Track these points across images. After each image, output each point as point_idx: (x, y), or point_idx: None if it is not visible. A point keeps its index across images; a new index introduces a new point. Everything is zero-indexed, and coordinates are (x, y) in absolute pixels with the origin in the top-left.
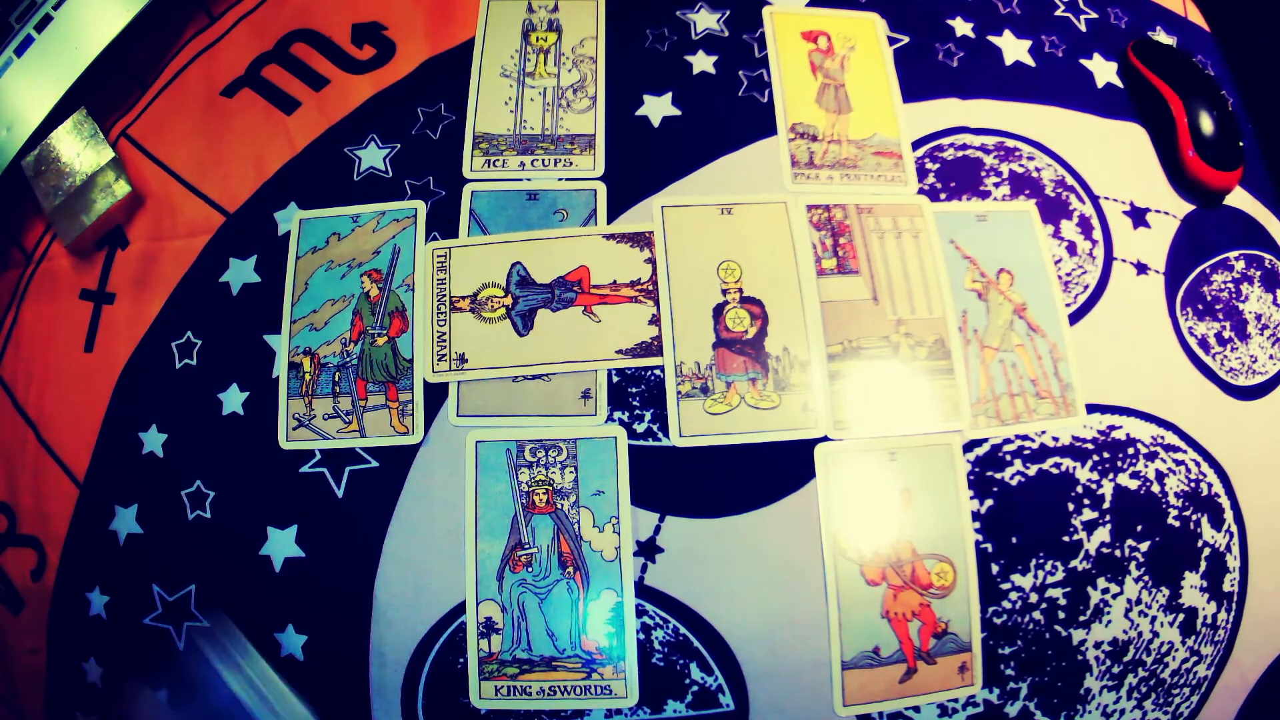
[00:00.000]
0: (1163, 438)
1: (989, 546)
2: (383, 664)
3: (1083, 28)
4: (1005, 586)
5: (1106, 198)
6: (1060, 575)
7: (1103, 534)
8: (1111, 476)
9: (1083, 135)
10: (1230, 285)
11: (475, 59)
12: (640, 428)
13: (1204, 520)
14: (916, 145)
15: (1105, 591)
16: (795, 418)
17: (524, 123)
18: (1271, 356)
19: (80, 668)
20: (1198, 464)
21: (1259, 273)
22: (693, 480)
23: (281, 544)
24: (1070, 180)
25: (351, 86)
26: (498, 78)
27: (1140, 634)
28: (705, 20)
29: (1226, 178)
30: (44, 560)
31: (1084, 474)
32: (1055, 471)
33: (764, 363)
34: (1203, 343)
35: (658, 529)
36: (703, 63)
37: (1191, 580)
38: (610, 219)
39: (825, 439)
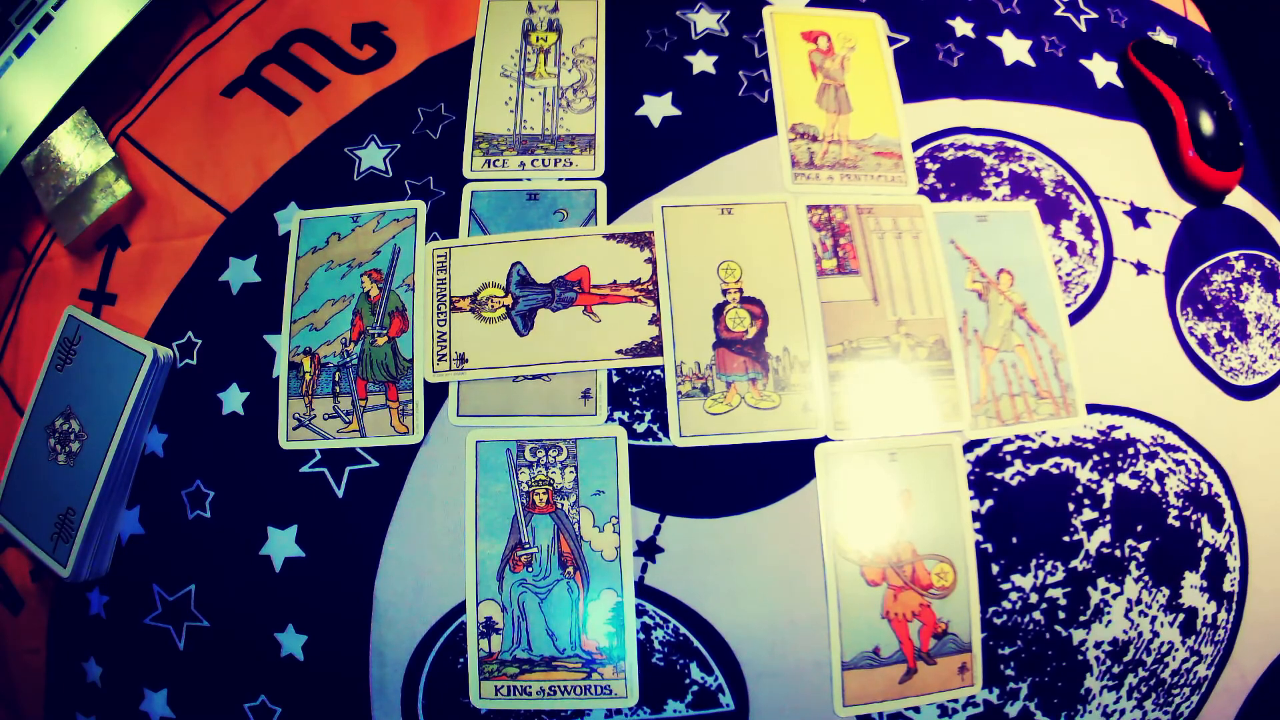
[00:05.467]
0: (1163, 438)
1: (989, 547)
2: (383, 664)
3: (1083, 28)
4: (1005, 587)
5: (1106, 198)
6: (1060, 575)
7: (1103, 534)
8: (1112, 476)
9: (1083, 135)
10: (1230, 285)
11: (475, 59)
12: (640, 428)
13: (1204, 520)
14: (916, 145)
15: (1105, 591)
16: (795, 418)
17: (524, 123)
18: (1271, 356)
19: (80, 668)
20: (1198, 464)
21: (1259, 273)
22: (693, 480)
23: (281, 544)
24: (1070, 180)
25: (351, 86)
26: (498, 78)
27: (1140, 634)
28: (705, 20)
29: (1226, 178)
30: None
31: (1084, 474)
32: (1055, 472)
33: (764, 363)
34: (1203, 343)
35: (658, 529)
36: (703, 63)
37: (1191, 580)
38: (610, 219)
39: (825, 439)
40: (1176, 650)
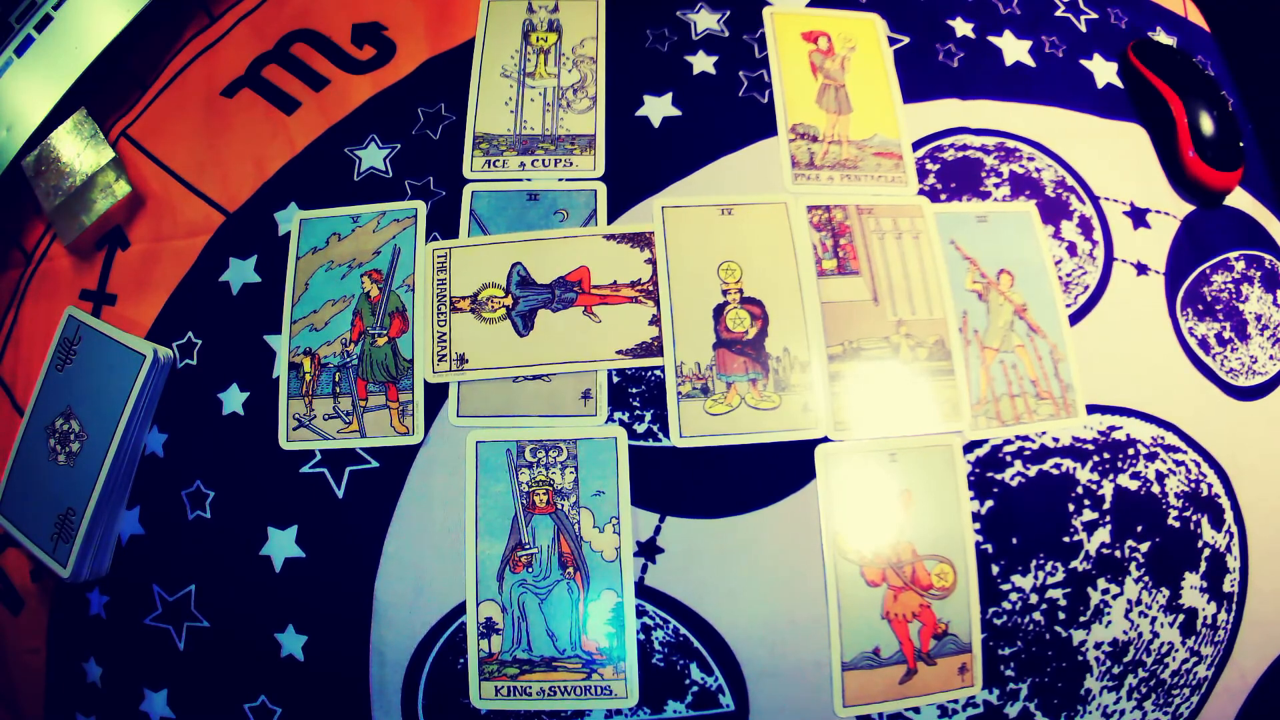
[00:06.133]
0: (1163, 438)
1: (989, 547)
2: (383, 664)
3: (1083, 28)
4: (1005, 587)
5: (1106, 198)
6: (1060, 576)
7: (1103, 535)
8: (1112, 477)
9: (1083, 135)
10: (1230, 286)
11: (475, 59)
12: (640, 428)
13: (1204, 521)
14: (917, 146)
15: (1105, 592)
16: (795, 418)
17: (524, 123)
18: (1271, 357)
19: (80, 668)
20: (1198, 464)
21: (1259, 273)
22: (693, 481)
23: (281, 544)
24: (1070, 181)
25: (351, 86)
26: (498, 78)
27: (1140, 635)
28: (705, 20)
29: (1226, 178)
30: None
31: (1084, 475)
32: (1055, 472)
33: (764, 363)
34: (1203, 343)
35: (658, 529)
36: (703, 63)
37: (1191, 581)
38: (610, 219)
39: (825, 440)
40: (1176, 651)
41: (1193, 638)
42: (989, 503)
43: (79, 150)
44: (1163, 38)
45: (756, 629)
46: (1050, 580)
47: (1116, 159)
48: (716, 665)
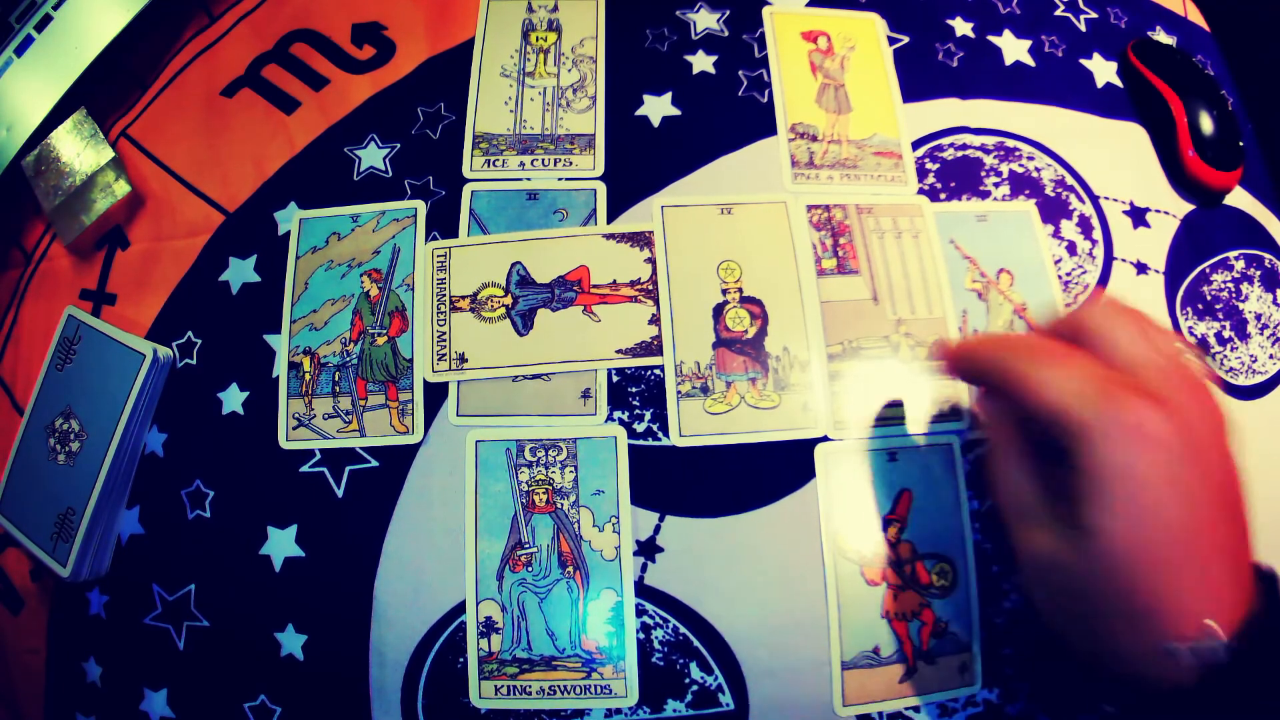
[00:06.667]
0: None
1: (989, 546)
2: (382, 664)
3: (1083, 28)
4: (1006, 587)
5: (1106, 198)
6: None
7: None
8: None
9: (1083, 135)
10: (1230, 285)
11: (475, 59)
12: (640, 427)
13: None
14: (916, 145)
15: None
16: (795, 417)
17: (524, 122)
18: (1271, 356)
19: (80, 668)
20: None
21: (1259, 272)
22: (693, 480)
23: (281, 544)
24: (1070, 180)
25: (351, 86)
26: (498, 77)
27: None
28: (705, 20)
29: (1226, 178)
30: None
31: None
32: None
33: (764, 362)
34: (1202, 342)
35: (658, 528)
36: (703, 63)
37: None
38: (610, 219)
39: (825, 439)
40: None
41: None
42: (989, 502)
43: (79, 150)
44: (1163, 37)
45: (756, 628)
46: None
47: (1116, 158)
48: (716, 664)
